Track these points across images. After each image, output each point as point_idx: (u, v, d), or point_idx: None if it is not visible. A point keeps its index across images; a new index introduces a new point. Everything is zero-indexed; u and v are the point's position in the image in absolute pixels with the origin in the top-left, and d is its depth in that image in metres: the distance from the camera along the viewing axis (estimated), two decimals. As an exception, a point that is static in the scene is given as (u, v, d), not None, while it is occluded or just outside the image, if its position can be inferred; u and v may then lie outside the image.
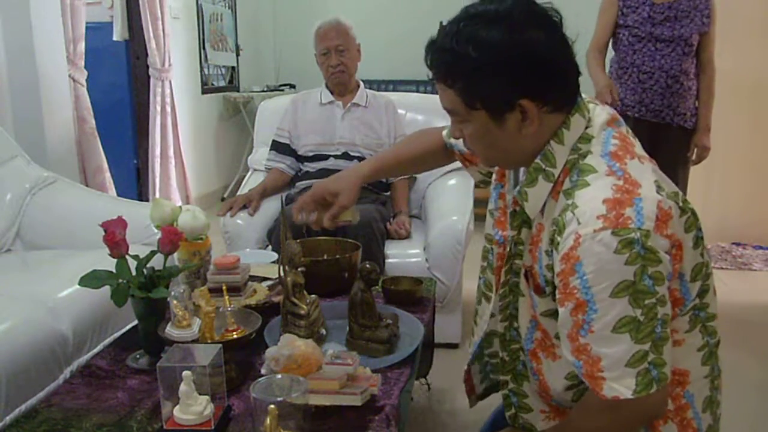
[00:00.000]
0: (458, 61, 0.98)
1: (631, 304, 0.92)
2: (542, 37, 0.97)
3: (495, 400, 1.46)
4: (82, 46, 3.32)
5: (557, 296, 0.99)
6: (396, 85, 5.81)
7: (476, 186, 1.71)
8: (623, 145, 1.02)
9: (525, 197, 1.06)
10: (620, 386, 0.94)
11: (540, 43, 0.96)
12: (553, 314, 1.06)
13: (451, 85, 1.00)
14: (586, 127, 1.03)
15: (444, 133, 1.43)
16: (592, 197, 0.95)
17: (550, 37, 0.98)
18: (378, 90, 3.02)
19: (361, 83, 2.74)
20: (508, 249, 1.15)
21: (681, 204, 1.00)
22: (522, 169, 1.13)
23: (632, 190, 0.94)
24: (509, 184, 1.18)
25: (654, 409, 0.99)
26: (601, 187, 0.96)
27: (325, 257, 1.92)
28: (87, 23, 3.38)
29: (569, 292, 0.96)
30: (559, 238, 0.97)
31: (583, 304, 0.94)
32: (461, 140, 1.28)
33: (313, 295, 1.51)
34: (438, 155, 1.44)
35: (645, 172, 0.99)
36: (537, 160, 1.04)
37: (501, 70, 0.96)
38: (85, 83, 3.38)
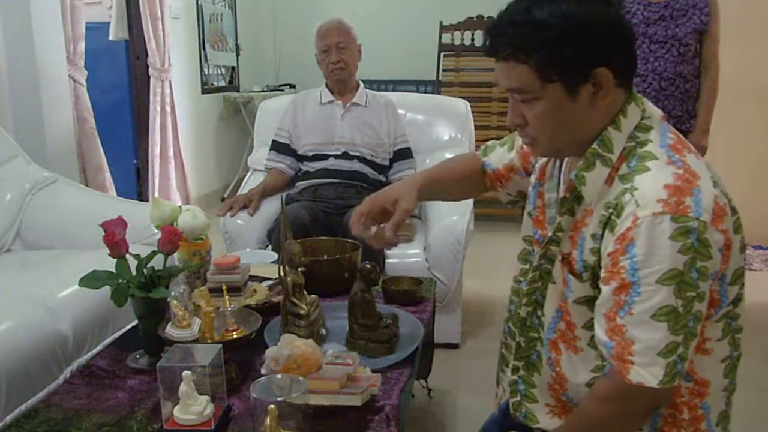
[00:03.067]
0: (536, 32, 0.97)
1: (675, 294, 0.92)
2: (606, 7, 1.00)
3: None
4: (82, 46, 3.32)
5: (603, 275, 1.00)
6: (396, 85, 5.81)
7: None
8: (679, 140, 1.04)
9: (583, 181, 1.04)
10: (648, 373, 0.94)
11: (608, 12, 0.99)
12: (587, 302, 1.06)
13: (525, 59, 0.98)
14: (642, 118, 1.04)
15: (479, 153, 1.41)
16: (654, 180, 0.95)
17: (611, 7, 1.01)
18: (378, 90, 3.03)
19: (361, 83, 2.75)
20: (550, 234, 1.15)
21: (732, 204, 1.00)
22: (564, 162, 1.15)
23: (692, 180, 0.95)
24: (549, 182, 1.19)
25: (663, 402, 1.00)
26: (663, 172, 0.96)
27: (326, 257, 1.92)
28: (87, 23, 3.39)
29: (616, 271, 0.96)
30: (616, 220, 0.97)
31: (628, 285, 0.95)
32: (496, 157, 1.37)
33: (313, 295, 1.52)
34: (476, 181, 1.42)
35: (702, 166, 1.00)
36: (594, 146, 1.04)
37: (580, 37, 0.97)
38: (85, 83, 3.38)
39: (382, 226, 1.27)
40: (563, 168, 1.16)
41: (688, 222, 0.91)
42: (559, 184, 1.17)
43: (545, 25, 0.96)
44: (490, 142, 1.42)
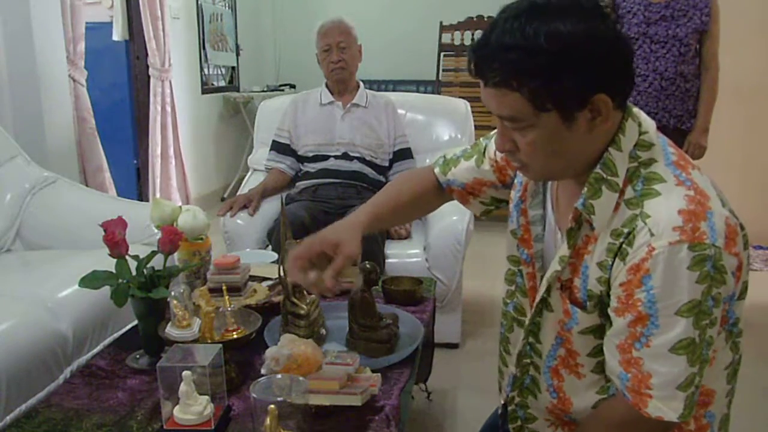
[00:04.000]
0: (530, 58, 0.88)
1: (693, 325, 0.89)
2: (607, 26, 0.91)
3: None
4: (82, 46, 3.32)
5: (614, 305, 0.96)
6: (396, 85, 5.81)
7: (476, 218, 1.57)
8: (680, 154, 0.99)
9: (592, 210, 0.97)
10: (667, 408, 0.92)
11: (608, 32, 0.91)
12: (592, 331, 1.03)
13: (518, 87, 0.90)
14: (640, 133, 0.98)
15: (436, 171, 1.33)
16: (667, 207, 0.91)
17: (611, 26, 0.92)
18: (378, 90, 3.03)
19: (361, 83, 2.75)
20: (538, 265, 1.12)
21: (739, 220, 0.97)
22: (549, 183, 1.11)
23: (704, 203, 0.91)
24: (533, 199, 1.14)
25: (672, 428, 0.98)
26: (675, 197, 0.91)
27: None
28: (87, 23, 3.39)
29: (632, 303, 0.92)
30: (628, 249, 0.92)
31: (645, 318, 0.91)
32: (461, 173, 1.28)
33: (313, 295, 1.51)
34: (431, 197, 1.34)
35: (708, 183, 0.96)
36: (597, 170, 0.97)
37: (579, 64, 0.88)
38: (85, 83, 3.38)
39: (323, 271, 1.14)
40: (549, 185, 1.12)
41: (704, 250, 0.88)
42: (544, 200, 1.13)
43: (539, 51, 0.87)
44: (447, 155, 1.33)
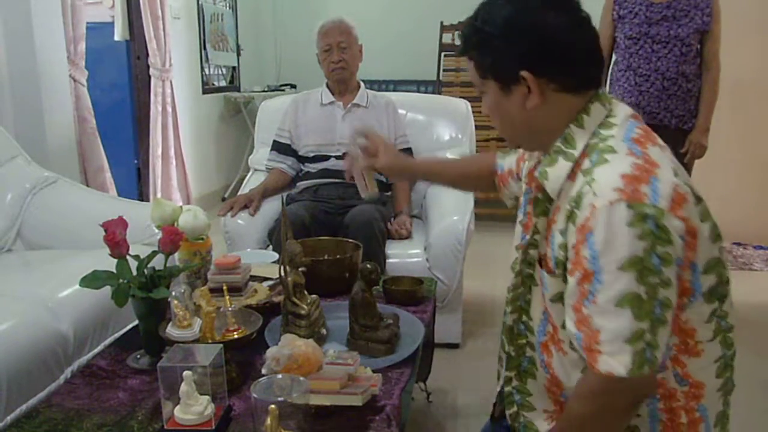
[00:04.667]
0: (473, 35, 1.08)
1: (637, 280, 0.92)
2: (552, 18, 1.03)
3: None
4: (82, 46, 3.32)
5: (568, 267, 1.01)
6: (397, 85, 5.81)
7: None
8: (646, 134, 1.04)
9: (545, 176, 1.07)
10: (616, 362, 0.93)
11: (547, 23, 1.03)
12: (561, 298, 1.06)
13: (470, 57, 1.11)
14: (608, 116, 1.06)
15: (498, 153, 1.46)
16: (611, 172, 0.97)
17: (561, 19, 1.03)
18: (379, 90, 3.02)
19: (362, 84, 2.74)
20: (528, 238, 1.16)
21: (697, 193, 1.00)
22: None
23: (650, 170, 0.96)
24: None
25: (643, 393, 0.99)
26: (620, 164, 0.97)
27: (326, 257, 1.92)
28: (88, 23, 3.38)
29: (579, 261, 0.97)
30: (577, 212, 0.99)
31: (590, 275, 0.95)
32: (510, 160, 1.41)
33: (313, 295, 1.52)
34: (483, 174, 1.46)
35: (665, 157, 1.01)
36: (557, 143, 1.07)
37: (503, 42, 1.04)
38: (85, 83, 3.38)
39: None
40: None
41: (644, 209, 0.92)
42: None
43: (479, 30, 1.07)
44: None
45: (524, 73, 1.03)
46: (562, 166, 1.05)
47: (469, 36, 1.10)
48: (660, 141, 1.05)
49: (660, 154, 1.01)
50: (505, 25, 1.04)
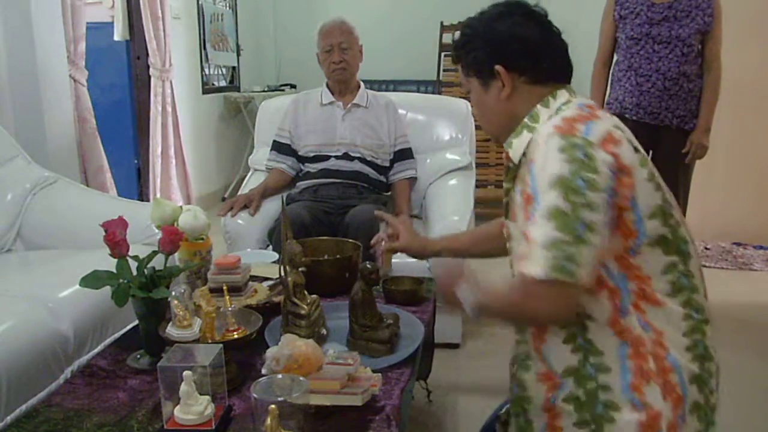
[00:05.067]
0: (461, 38, 1.27)
1: (563, 197, 1.02)
2: (526, 27, 1.20)
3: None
4: (82, 46, 3.32)
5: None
6: (397, 85, 5.81)
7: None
8: (602, 108, 1.19)
9: (510, 145, 1.22)
10: (533, 264, 1.02)
11: (522, 29, 1.20)
12: None
13: (458, 58, 1.28)
14: (569, 100, 1.19)
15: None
16: (556, 119, 1.13)
17: (534, 29, 1.20)
18: (379, 90, 3.02)
19: (362, 84, 2.74)
20: (504, 212, 1.29)
21: (638, 147, 1.11)
22: None
23: (590, 117, 1.10)
24: None
25: (560, 307, 1.05)
26: (567, 114, 1.13)
27: (326, 257, 1.92)
28: (88, 23, 3.38)
29: (524, 190, 1.11)
30: (529, 157, 1.13)
31: (531, 198, 1.07)
32: None
33: (313, 295, 1.52)
34: (494, 235, 1.52)
35: (610, 117, 1.14)
36: (525, 119, 1.21)
37: (482, 41, 1.22)
38: (85, 83, 3.38)
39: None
40: None
41: (574, 139, 1.05)
42: None
43: (465, 32, 1.26)
44: None
45: (498, 67, 1.19)
46: (525, 136, 1.18)
47: (458, 40, 1.28)
48: (617, 121, 1.16)
49: (607, 115, 1.15)
50: (486, 27, 1.22)
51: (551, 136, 1.07)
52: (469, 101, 1.34)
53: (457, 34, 1.29)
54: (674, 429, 1.06)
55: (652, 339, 1.08)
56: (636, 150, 1.10)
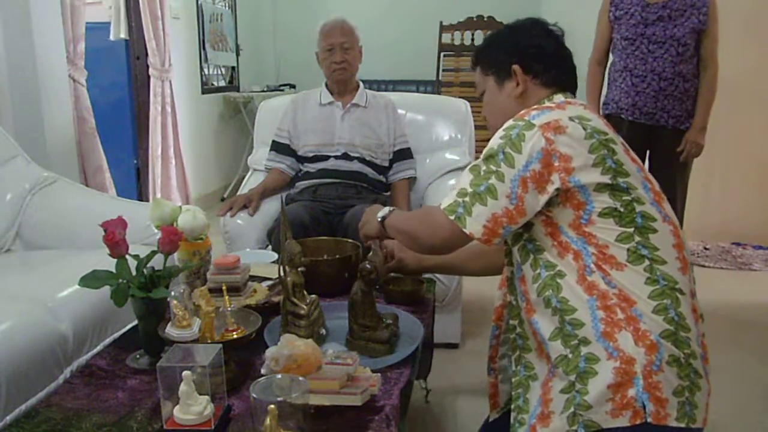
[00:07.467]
0: (483, 42, 1.47)
1: (484, 160, 1.22)
2: (544, 39, 1.38)
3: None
4: (82, 46, 3.32)
5: None
6: (396, 85, 5.82)
7: None
8: (584, 104, 1.30)
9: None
10: (444, 200, 1.26)
11: (540, 39, 1.38)
12: (519, 239, 1.28)
13: (478, 63, 1.45)
14: (564, 100, 1.32)
15: None
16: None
17: (550, 41, 1.38)
18: (378, 90, 3.02)
19: (361, 84, 2.74)
20: None
21: (594, 134, 1.18)
22: None
23: (551, 108, 1.24)
24: None
25: (447, 238, 1.27)
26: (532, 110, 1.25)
27: (326, 257, 1.92)
28: (87, 23, 3.39)
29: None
30: None
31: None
32: None
33: (313, 295, 1.52)
34: (488, 250, 1.55)
35: (578, 109, 1.25)
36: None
37: (505, 43, 1.40)
38: (85, 83, 3.38)
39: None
40: None
41: (519, 121, 1.21)
42: None
43: (488, 38, 1.46)
44: None
45: (515, 67, 1.35)
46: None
47: (482, 43, 1.46)
48: (602, 121, 1.25)
49: (576, 107, 1.25)
50: (510, 33, 1.42)
51: (508, 122, 1.23)
52: (479, 101, 1.47)
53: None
54: (650, 375, 1.09)
55: (616, 293, 1.14)
56: (589, 135, 1.18)
